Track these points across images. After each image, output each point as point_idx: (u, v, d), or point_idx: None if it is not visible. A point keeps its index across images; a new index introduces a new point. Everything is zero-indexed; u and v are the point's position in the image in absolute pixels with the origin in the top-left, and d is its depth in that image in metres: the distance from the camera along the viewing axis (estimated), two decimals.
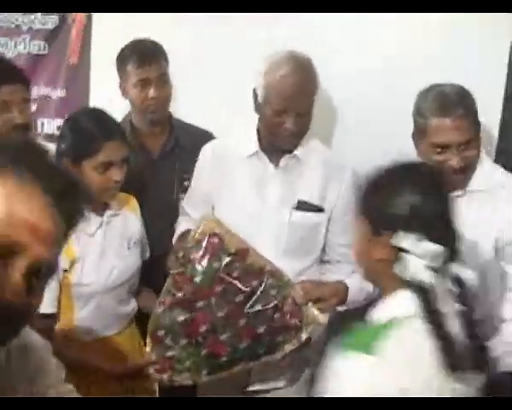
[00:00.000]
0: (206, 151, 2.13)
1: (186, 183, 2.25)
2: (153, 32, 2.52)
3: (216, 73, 2.57)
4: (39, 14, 2.91)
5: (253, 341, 1.79)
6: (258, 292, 1.79)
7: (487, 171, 1.95)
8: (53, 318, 1.85)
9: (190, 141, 2.30)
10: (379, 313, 1.33)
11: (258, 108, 2.00)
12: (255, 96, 2.00)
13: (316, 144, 2.09)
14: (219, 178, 2.06)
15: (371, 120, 2.34)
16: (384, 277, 1.33)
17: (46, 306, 1.78)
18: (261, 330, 1.79)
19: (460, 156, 1.85)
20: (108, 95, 2.80)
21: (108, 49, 2.82)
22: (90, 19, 2.87)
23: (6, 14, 2.94)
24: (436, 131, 1.85)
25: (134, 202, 2.09)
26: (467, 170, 1.89)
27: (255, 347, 1.80)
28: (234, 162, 2.05)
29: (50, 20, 2.91)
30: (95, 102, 2.90)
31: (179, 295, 1.79)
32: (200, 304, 1.78)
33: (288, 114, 1.92)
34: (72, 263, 1.86)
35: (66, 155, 1.84)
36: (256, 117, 2.04)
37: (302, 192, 2.02)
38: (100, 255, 1.91)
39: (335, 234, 2.05)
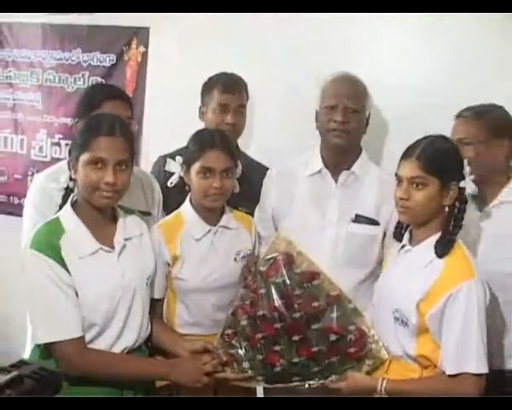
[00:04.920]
0: (272, 173, 2.37)
1: (239, 209, 2.36)
2: (202, 67, 2.72)
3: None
4: (98, 53, 3.13)
5: (308, 358, 1.88)
6: (318, 313, 1.92)
7: None
8: (161, 302, 2.11)
9: (249, 171, 2.43)
10: None
11: (317, 121, 2.25)
12: (316, 114, 2.26)
13: (370, 164, 2.30)
14: (283, 197, 2.27)
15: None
16: None
17: (156, 291, 2.05)
18: (316, 349, 1.88)
19: None
20: (162, 126, 2.99)
21: (162, 84, 3.03)
22: (145, 56, 3.07)
23: (68, 52, 3.15)
24: None
25: (251, 222, 2.25)
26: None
27: (310, 365, 1.88)
28: (297, 181, 2.27)
29: (108, 58, 3.14)
30: (149, 133, 3.06)
31: (247, 302, 1.97)
32: (259, 313, 1.94)
33: (338, 108, 2.16)
34: (174, 259, 2.07)
35: (184, 162, 2.11)
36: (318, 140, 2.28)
37: (359, 207, 2.20)
38: (202, 259, 2.08)
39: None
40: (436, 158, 1.81)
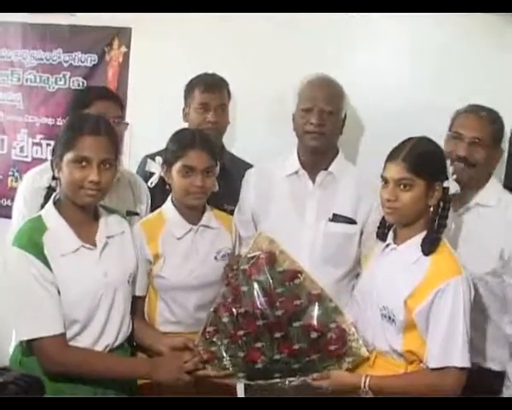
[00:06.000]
0: (251, 173, 2.39)
1: (225, 206, 2.40)
2: (185, 68, 2.75)
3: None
4: (79, 53, 3.14)
5: (289, 356, 1.91)
6: (300, 311, 1.95)
7: (495, 189, 2.19)
8: (143, 300, 2.13)
9: (234, 169, 2.50)
10: None
11: (294, 123, 2.28)
12: (293, 116, 2.29)
13: (347, 164, 2.35)
14: (262, 197, 2.30)
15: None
16: None
17: (138, 289, 2.06)
18: (297, 346, 1.91)
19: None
20: (144, 126, 3.00)
21: (144, 85, 3.04)
22: (126, 56, 3.09)
23: (48, 52, 3.17)
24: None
25: (231, 221, 2.28)
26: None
27: (290, 362, 1.92)
28: (275, 182, 2.30)
29: (89, 58, 3.14)
30: (131, 133, 3.06)
31: (229, 300, 1.99)
32: (241, 311, 1.96)
33: (314, 110, 2.18)
34: (156, 257, 2.09)
35: (164, 161, 2.13)
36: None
37: (337, 206, 2.24)
38: (183, 257, 2.11)
39: (367, 248, 2.19)
40: (422, 159, 1.85)
